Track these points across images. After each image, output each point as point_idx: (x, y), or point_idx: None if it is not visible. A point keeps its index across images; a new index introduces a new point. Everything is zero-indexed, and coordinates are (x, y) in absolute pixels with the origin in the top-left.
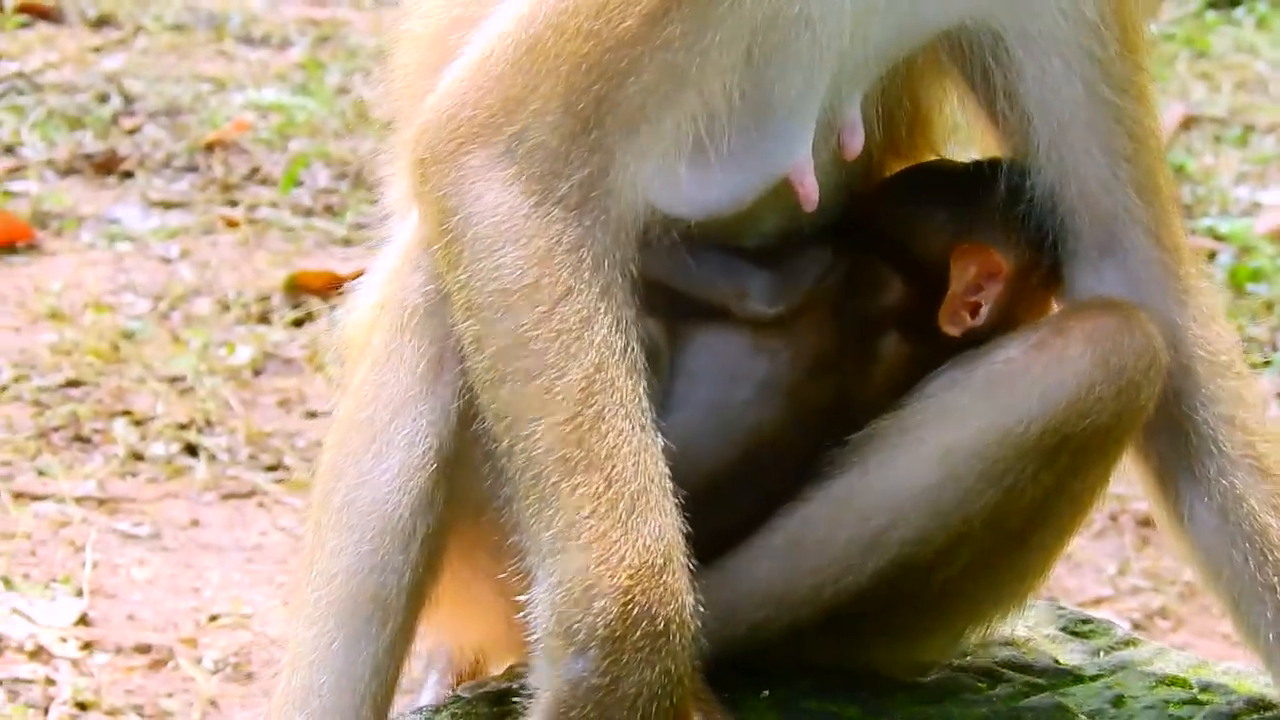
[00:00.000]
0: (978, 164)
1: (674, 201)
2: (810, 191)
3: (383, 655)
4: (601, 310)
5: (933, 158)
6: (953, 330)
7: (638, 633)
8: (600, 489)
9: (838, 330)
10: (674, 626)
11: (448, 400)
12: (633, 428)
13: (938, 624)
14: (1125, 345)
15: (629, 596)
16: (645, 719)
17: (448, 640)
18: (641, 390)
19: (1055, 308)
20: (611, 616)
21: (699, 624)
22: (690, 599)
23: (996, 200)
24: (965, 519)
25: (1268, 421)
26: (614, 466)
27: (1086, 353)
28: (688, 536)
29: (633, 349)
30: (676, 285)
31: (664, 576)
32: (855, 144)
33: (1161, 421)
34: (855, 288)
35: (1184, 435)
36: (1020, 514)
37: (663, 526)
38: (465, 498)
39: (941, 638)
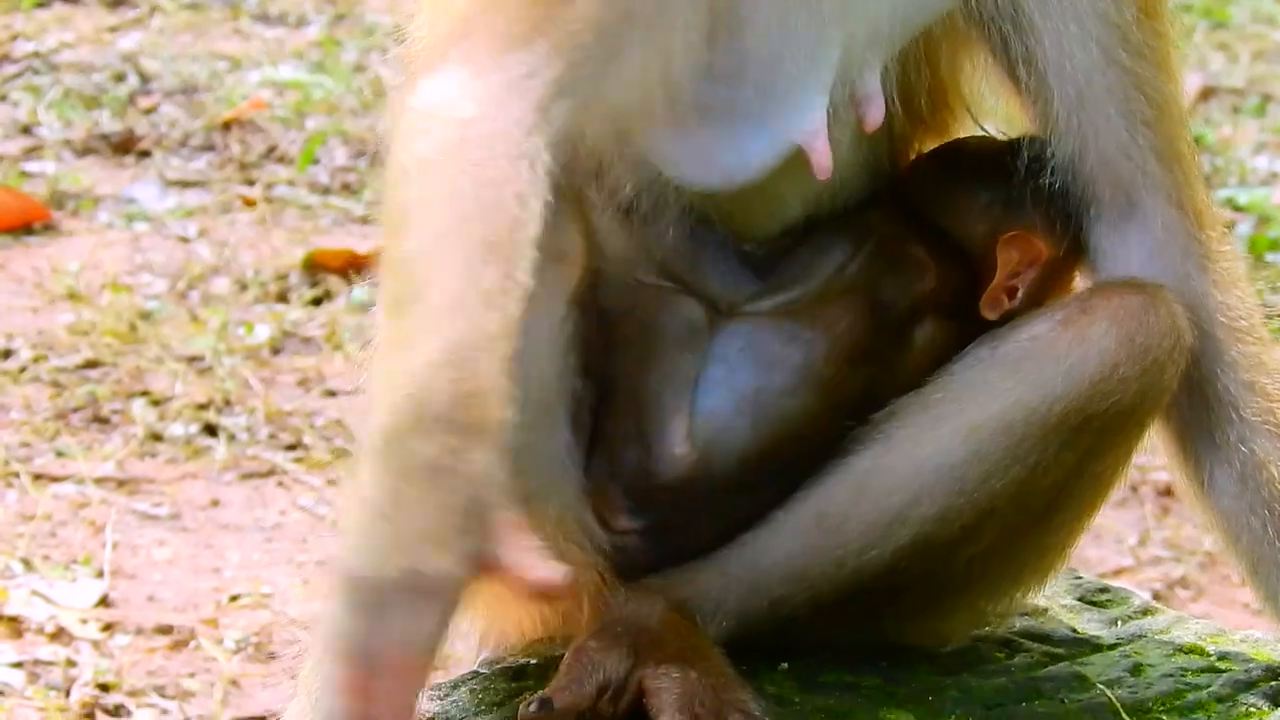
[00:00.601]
0: (1012, 143)
1: (683, 168)
2: (823, 159)
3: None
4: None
5: (960, 135)
6: (991, 315)
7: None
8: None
9: (872, 318)
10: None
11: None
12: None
13: (958, 602)
14: (1150, 324)
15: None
16: None
17: (477, 616)
18: None
19: (1078, 283)
20: None
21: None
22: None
23: (1033, 182)
24: (990, 496)
25: None
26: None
27: (1111, 331)
28: (715, 523)
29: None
30: (684, 275)
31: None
32: (876, 115)
33: (1182, 386)
34: (887, 274)
35: (1204, 400)
36: (1043, 493)
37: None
38: (520, 486)
39: (962, 615)
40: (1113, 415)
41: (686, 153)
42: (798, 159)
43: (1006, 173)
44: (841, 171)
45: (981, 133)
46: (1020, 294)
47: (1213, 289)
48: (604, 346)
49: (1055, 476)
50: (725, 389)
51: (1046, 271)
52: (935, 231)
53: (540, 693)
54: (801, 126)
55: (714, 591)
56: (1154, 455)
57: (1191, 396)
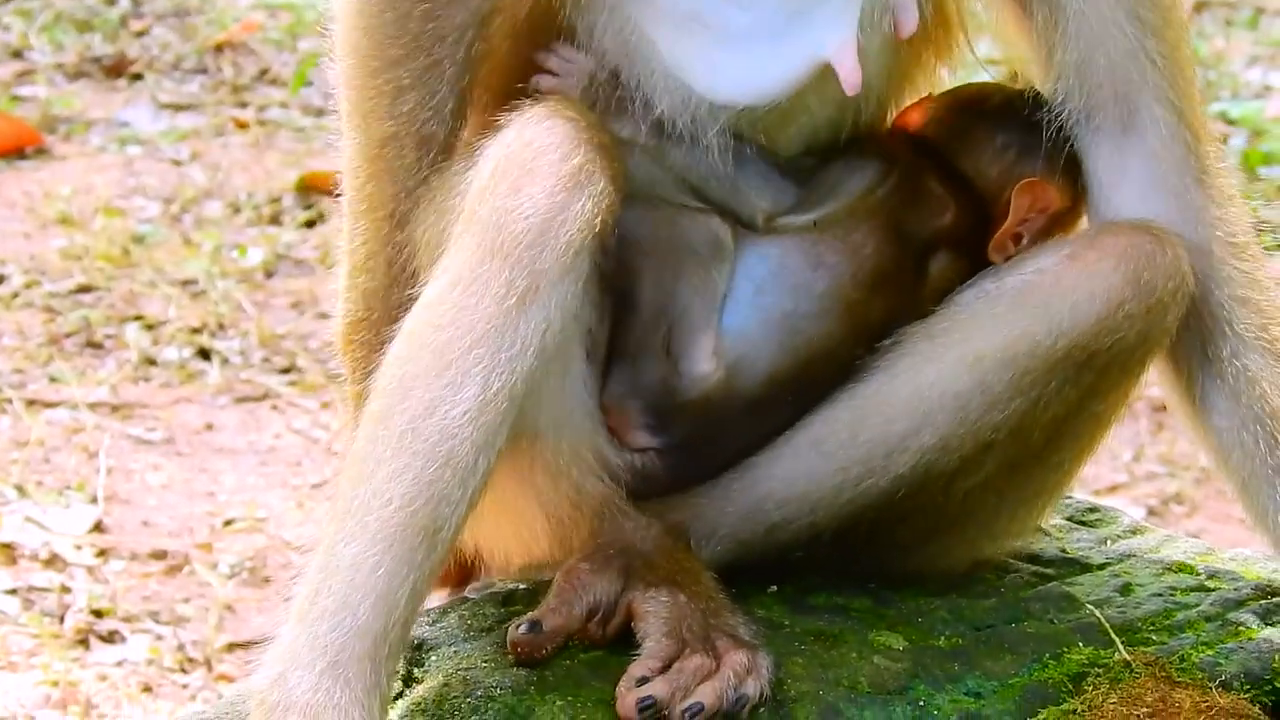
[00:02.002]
0: (1029, 92)
1: (714, 85)
2: (852, 74)
3: (423, 584)
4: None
5: (956, 51)
6: (997, 259)
7: None
8: None
9: (894, 246)
10: None
11: (529, 338)
12: None
13: (955, 536)
14: (1156, 264)
15: None
16: None
17: (474, 544)
18: None
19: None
20: None
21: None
22: None
23: (1049, 132)
24: (991, 427)
25: None
26: None
27: (1119, 268)
28: (735, 443)
29: None
30: (712, 193)
31: None
32: (909, 21)
33: None
34: (910, 204)
35: (1198, 316)
36: (1043, 428)
37: None
38: (531, 424)
39: (958, 550)
40: (1115, 353)
41: (717, 70)
42: (827, 74)
43: (1023, 120)
44: (871, 84)
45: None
46: (1025, 240)
47: (1210, 204)
48: (628, 265)
49: (1055, 412)
50: (752, 309)
51: (1052, 221)
52: (951, 169)
53: (529, 614)
54: (831, 38)
55: (710, 515)
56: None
57: (1185, 313)
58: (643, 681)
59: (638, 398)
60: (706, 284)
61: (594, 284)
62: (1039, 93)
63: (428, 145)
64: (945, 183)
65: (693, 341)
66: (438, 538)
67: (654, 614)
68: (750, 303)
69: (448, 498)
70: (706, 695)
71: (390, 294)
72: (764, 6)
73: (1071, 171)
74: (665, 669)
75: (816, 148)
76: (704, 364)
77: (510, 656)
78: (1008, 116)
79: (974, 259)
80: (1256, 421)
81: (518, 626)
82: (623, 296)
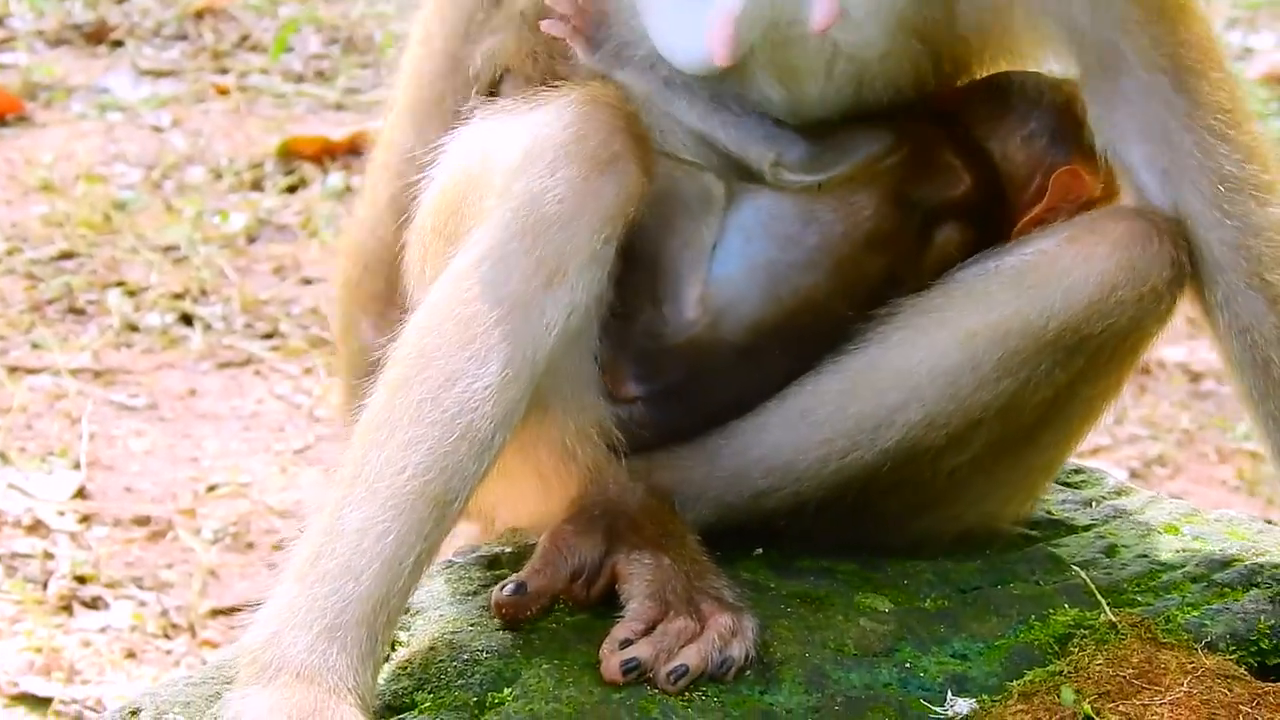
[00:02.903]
0: (1064, 82)
1: (667, 48)
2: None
3: (428, 554)
4: None
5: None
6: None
7: None
8: None
9: (897, 211)
10: None
11: (554, 319)
12: None
13: (940, 514)
14: (1152, 253)
15: None
16: None
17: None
18: None
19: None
20: None
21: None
22: None
23: (1084, 123)
24: (980, 406)
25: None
26: None
27: (1114, 254)
28: (723, 392)
29: None
30: (719, 141)
31: None
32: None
33: None
34: (921, 176)
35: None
36: (1032, 410)
37: None
38: (542, 398)
39: (943, 528)
40: (1107, 338)
41: (668, 32)
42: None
43: (1057, 108)
44: (878, 55)
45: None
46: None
47: (1194, 149)
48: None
49: (1045, 394)
50: (740, 258)
51: (1082, 209)
52: (975, 147)
53: (514, 576)
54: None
55: (696, 479)
56: None
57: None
58: (626, 644)
59: (627, 348)
60: (695, 235)
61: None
62: (1075, 81)
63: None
64: (965, 158)
65: (679, 289)
66: (448, 510)
67: (638, 576)
68: (739, 251)
69: (461, 470)
70: (691, 657)
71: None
72: None
73: (1101, 163)
74: (649, 631)
75: (829, 112)
76: (690, 310)
77: (495, 619)
78: (1041, 104)
79: (984, 233)
80: (1252, 366)
81: (502, 588)
82: (621, 250)
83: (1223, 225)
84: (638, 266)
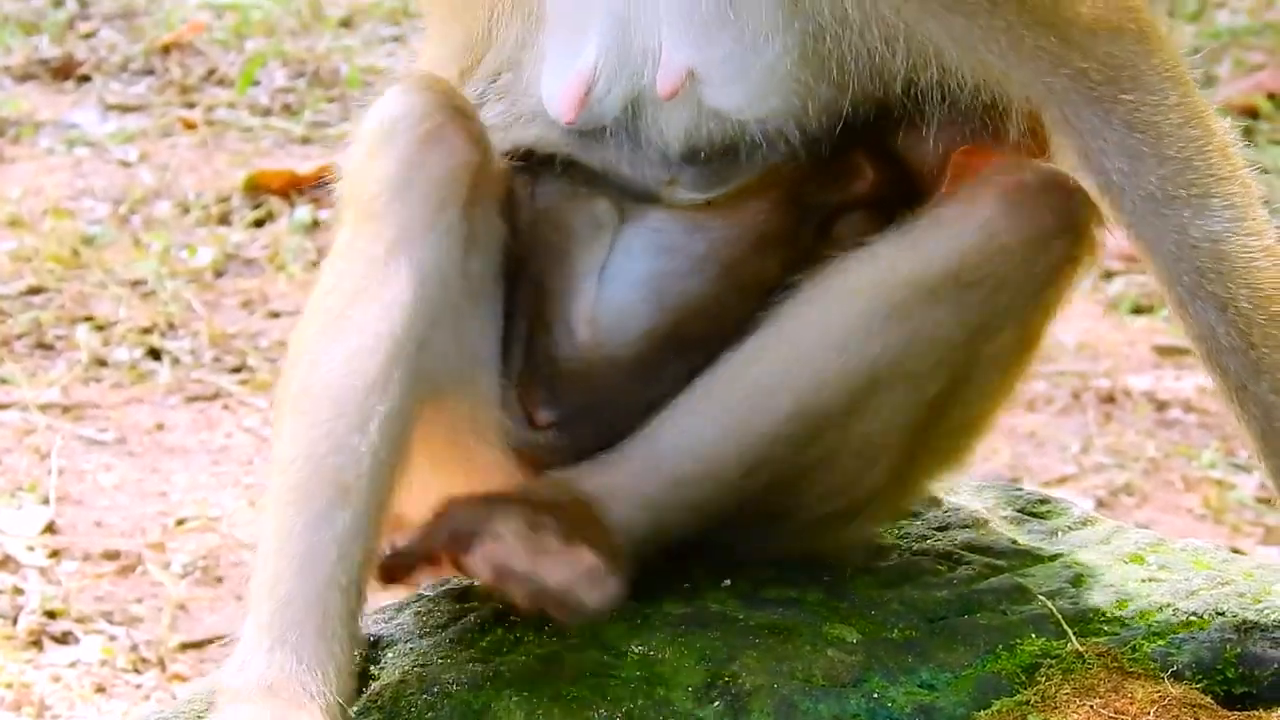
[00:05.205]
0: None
1: (549, 99)
2: (561, 106)
3: (346, 538)
4: None
5: None
6: None
7: None
8: None
9: (792, 214)
10: None
11: (403, 285)
12: None
13: (861, 490)
14: (1038, 200)
15: None
16: None
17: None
18: None
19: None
20: None
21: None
22: None
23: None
24: (872, 359)
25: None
26: None
27: (996, 202)
28: (625, 407)
29: None
30: (610, 170)
31: None
32: (665, 83)
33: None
34: (821, 176)
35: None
36: (932, 374)
37: None
38: (432, 389)
39: (869, 506)
40: (996, 287)
41: (547, 88)
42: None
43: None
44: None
45: None
46: None
47: (1124, 165)
48: (523, 248)
49: (941, 352)
50: (626, 274)
51: None
52: (877, 136)
53: (393, 538)
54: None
55: (618, 479)
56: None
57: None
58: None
59: (534, 374)
60: (582, 258)
61: (490, 254)
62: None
63: None
64: (870, 154)
65: (568, 310)
66: (347, 490)
67: (510, 547)
68: (624, 268)
69: (345, 446)
70: (550, 573)
71: None
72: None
73: (1032, 140)
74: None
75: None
76: (580, 331)
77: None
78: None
79: (893, 218)
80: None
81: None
82: (520, 279)
83: (1161, 242)
84: (528, 294)
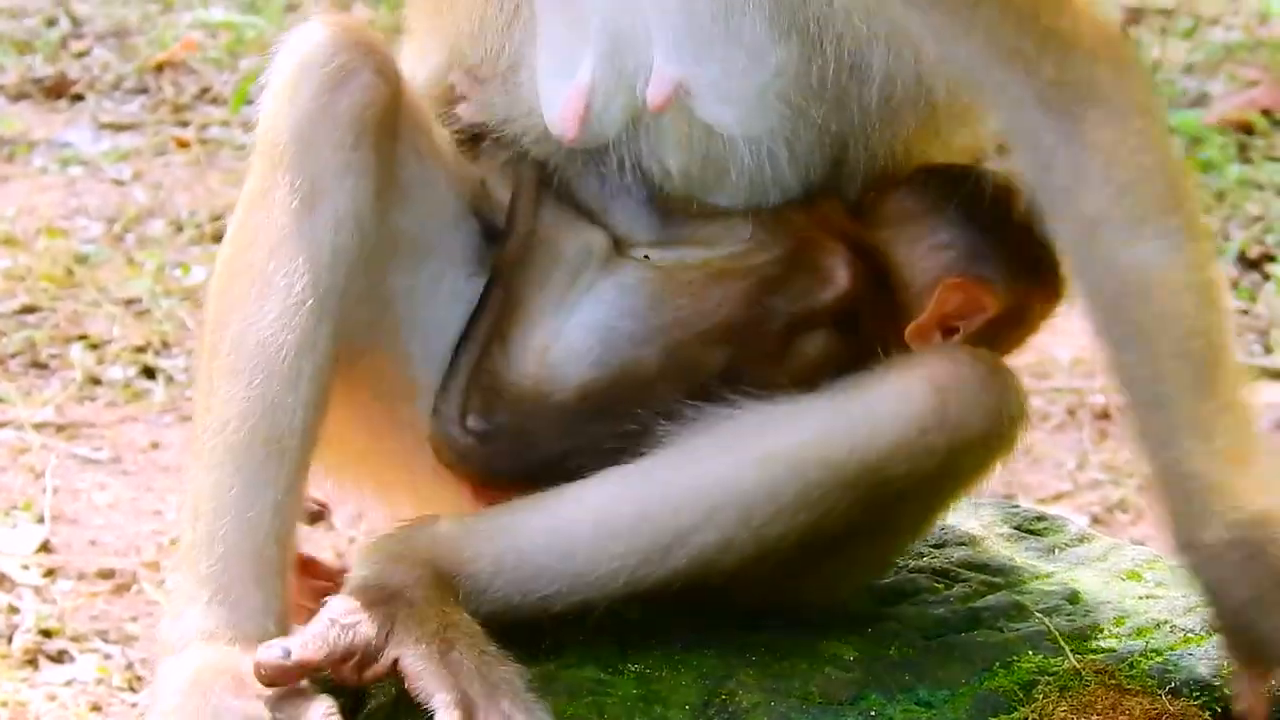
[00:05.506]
0: (1001, 189)
1: (549, 115)
2: (563, 123)
3: (282, 495)
4: None
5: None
6: (917, 344)
7: None
8: None
9: (752, 312)
10: None
11: (322, 236)
12: None
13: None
14: (971, 399)
15: None
16: None
17: (346, 486)
18: None
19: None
20: None
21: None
22: None
23: (1010, 232)
24: (776, 537)
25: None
26: None
27: (929, 396)
28: (547, 445)
29: None
30: (596, 212)
31: None
32: (655, 96)
33: None
34: (790, 278)
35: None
36: (826, 545)
37: None
38: (348, 335)
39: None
40: (913, 483)
41: (548, 107)
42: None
43: (975, 218)
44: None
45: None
46: (959, 336)
47: (1067, 183)
48: (511, 253)
49: (838, 531)
50: (587, 319)
51: (996, 325)
52: (869, 250)
53: (283, 640)
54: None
55: (483, 577)
56: (1090, 378)
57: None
58: None
59: (478, 379)
60: (560, 287)
61: (401, 193)
62: (1011, 188)
63: None
64: (851, 263)
65: (527, 334)
66: (282, 447)
67: (430, 675)
68: (588, 312)
69: (280, 405)
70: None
71: None
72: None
73: (1030, 270)
74: None
75: (712, 190)
76: (529, 357)
77: (256, 678)
78: (960, 212)
79: (862, 342)
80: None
81: (269, 647)
82: (502, 285)
83: (1088, 264)
84: (504, 301)
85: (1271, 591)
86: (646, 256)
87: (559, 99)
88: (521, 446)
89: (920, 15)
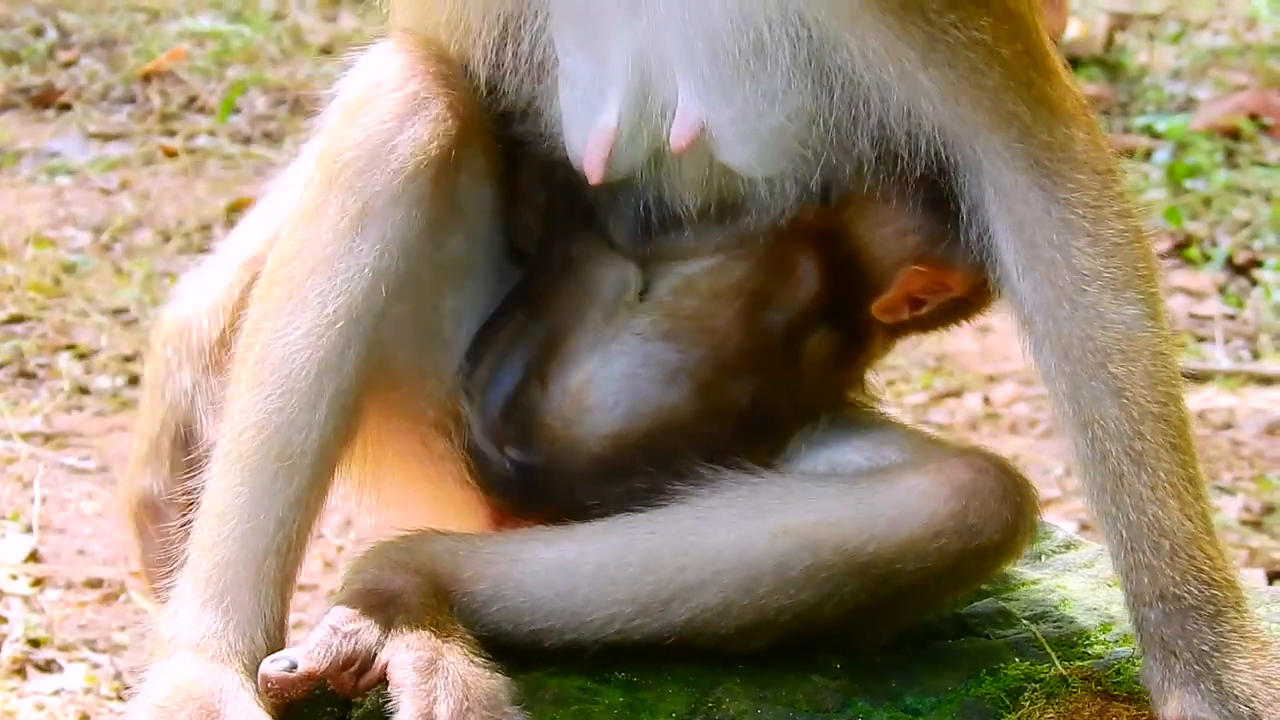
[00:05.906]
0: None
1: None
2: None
3: (287, 510)
4: None
5: None
6: (887, 320)
7: None
8: None
9: (755, 329)
10: None
11: (365, 259)
12: None
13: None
14: (990, 510)
15: None
16: None
17: (387, 510)
18: None
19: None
20: None
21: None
22: None
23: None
24: (776, 609)
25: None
26: None
27: (950, 500)
28: (577, 491)
29: None
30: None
31: None
32: (679, 136)
33: None
34: (771, 282)
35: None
36: (822, 622)
37: None
38: (383, 363)
39: None
40: (919, 579)
41: (572, 144)
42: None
43: (945, 208)
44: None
45: None
46: (926, 310)
47: (1050, 242)
48: (548, 282)
49: (838, 615)
50: (616, 370)
51: (958, 303)
52: (834, 233)
53: (288, 651)
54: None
55: (477, 602)
56: None
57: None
58: None
59: (515, 411)
60: (598, 326)
61: (457, 218)
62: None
63: None
64: (817, 254)
65: (566, 375)
66: (293, 465)
67: (409, 686)
68: (615, 365)
69: (294, 422)
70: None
71: None
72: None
73: (980, 265)
74: None
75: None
76: (567, 404)
77: (263, 692)
78: (929, 201)
79: (853, 332)
80: (1092, 462)
81: (274, 661)
82: (538, 306)
83: (1073, 318)
84: (540, 334)
85: (1218, 651)
86: (642, 296)
87: (583, 139)
88: (558, 487)
89: (933, 73)
